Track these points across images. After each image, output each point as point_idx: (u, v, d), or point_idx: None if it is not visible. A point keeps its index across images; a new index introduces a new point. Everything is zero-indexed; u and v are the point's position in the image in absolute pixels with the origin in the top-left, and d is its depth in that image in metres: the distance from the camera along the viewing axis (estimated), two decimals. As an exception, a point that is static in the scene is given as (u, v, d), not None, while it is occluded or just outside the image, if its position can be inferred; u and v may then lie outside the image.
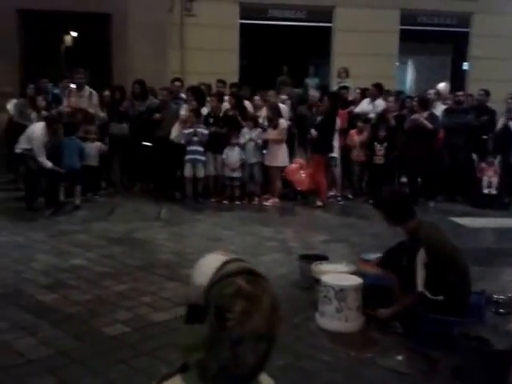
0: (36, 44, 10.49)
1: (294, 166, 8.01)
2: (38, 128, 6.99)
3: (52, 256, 5.24)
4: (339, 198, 8.38)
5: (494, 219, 7.40)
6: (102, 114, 8.34)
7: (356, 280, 3.77)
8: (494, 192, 8.31)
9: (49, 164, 6.96)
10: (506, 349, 2.91)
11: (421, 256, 3.38)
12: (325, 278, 3.77)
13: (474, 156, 8.60)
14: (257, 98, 8.64)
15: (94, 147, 8.03)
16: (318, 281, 3.89)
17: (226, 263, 1.14)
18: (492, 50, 12.17)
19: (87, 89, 8.20)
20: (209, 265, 1.14)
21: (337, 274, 3.88)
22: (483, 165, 8.41)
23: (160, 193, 8.14)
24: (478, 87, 9.64)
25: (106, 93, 8.70)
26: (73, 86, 8.38)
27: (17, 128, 7.88)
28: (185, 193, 7.96)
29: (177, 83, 8.73)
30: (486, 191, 8.31)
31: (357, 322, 3.72)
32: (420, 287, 3.39)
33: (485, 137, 8.82)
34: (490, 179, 8.33)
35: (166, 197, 7.97)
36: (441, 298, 3.39)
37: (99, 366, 3.16)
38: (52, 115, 7.65)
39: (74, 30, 11.42)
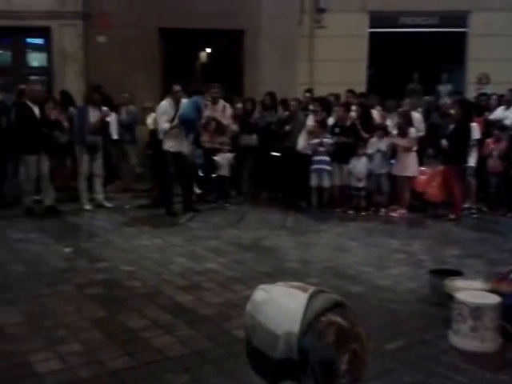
0: (175, 61, 11.28)
1: (424, 176, 7.73)
2: None
3: (188, 259, 5.60)
4: (473, 211, 7.92)
5: None
6: (235, 127, 8.74)
7: (494, 298, 3.56)
8: None
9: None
10: None
11: None
12: (459, 295, 3.60)
13: None
14: (378, 108, 8.54)
15: (226, 158, 8.46)
16: (451, 297, 3.73)
17: (310, 299, 0.99)
18: None
19: (221, 102, 8.63)
20: (291, 305, 0.97)
21: (472, 291, 3.69)
22: None
23: (286, 202, 8.32)
24: None
25: (239, 105, 9.09)
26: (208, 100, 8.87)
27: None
28: (310, 202, 8.05)
29: (307, 94, 8.88)
30: None
31: (494, 343, 3.51)
32: None
33: None
34: None
35: (291, 206, 8.13)
36: None
37: (231, 367, 3.31)
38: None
39: (209, 47, 12.10)
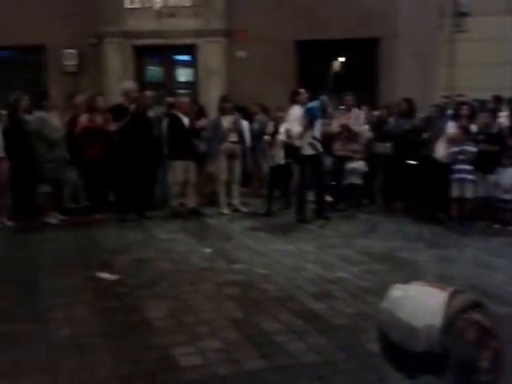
0: (310, 72, 11.46)
1: None
2: None
3: (319, 267, 5.64)
4: None
5: None
6: (369, 133, 8.63)
7: None
8: None
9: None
10: None
11: None
12: None
13: None
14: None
15: (358, 165, 8.37)
16: None
17: (450, 297, 1.01)
18: None
19: (354, 110, 8.61)
20: (431, 301, 1.00)
21: None
22: None
23: (424, 212, 7.99)
24: None
25: (375, 112, 8.98)
26: (342, 107, 8.89)
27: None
28: (450, 214, 7.64)
29: (444, 99, 8.51)
30: None
31: None
32: None
33: None
34: None
35: (429, 217, 7.79)
36: None
37: (366, 380, 3.26)
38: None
39: (345, 56, 12.08)
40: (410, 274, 5.37)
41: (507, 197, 7.32)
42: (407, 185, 8.31)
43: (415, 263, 5.78)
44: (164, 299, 4.70)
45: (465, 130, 7.42)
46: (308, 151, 7.72)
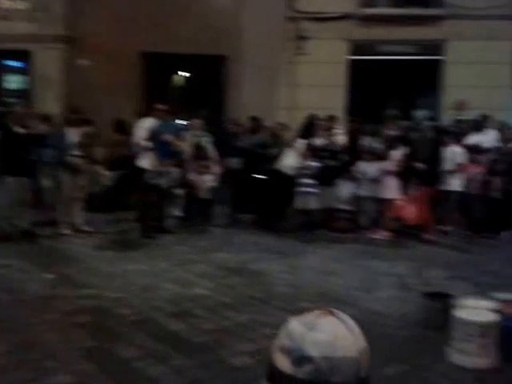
0: (156, 85, 11.28)
1: (401, 201, 7.90)
2: None
3: (176, 284, 5.48)
4: (454, 233, 8.03)
5: None
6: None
7: (495, 316, 3.67)
8: None
9: None
10: None
11: None
12: (466, 315, 3.68)
13: None
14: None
15: (206, 180, 8.43)
16: (446, 320, 3.77)
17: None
18: None
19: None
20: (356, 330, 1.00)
21: (474, 310, 3.75)
22: None
23: (271, 224, 8.30)
24: None
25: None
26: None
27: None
28: (294, 224, 8.05)
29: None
30: None
31: (497, 359, 3.63)
32: None
33: None
34: None
35: (277, 228, 8.11)
36: None
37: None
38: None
39: (192, 71, 12.14)
40: (264, 285, 5.51)
41: (345, 207, 7.94)
42: (256, 198, 8.57)
43: (269, 274, 5.95)
44: (3, 333, 4.17)
45: (310, 147, 7.91)
46: (145, 165, 7.62)
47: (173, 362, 3.73)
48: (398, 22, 11.64)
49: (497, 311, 3.69)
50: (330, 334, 0.97)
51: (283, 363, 0.99)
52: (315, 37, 11.40)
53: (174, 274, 5.89)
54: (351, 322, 0.99)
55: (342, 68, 11.80)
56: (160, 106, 7.88)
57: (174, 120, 7.98)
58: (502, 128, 9.04)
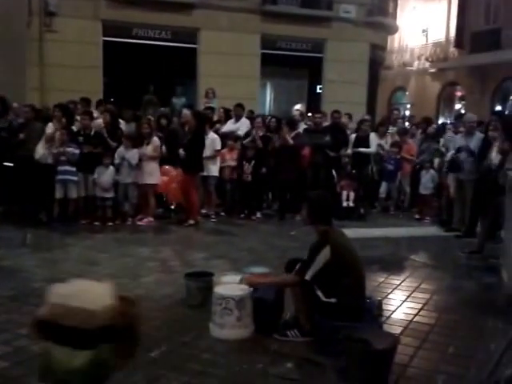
0: None
1: (166, 177, 8.06)
2: None
3: None
4: (213, 216, 8.54)
5: (354, 229, 8.05)
6: None
7: (248, 289, 3.97)
8: (351, 205, 9.09)
9: None
10: (383, 348, 3.24)
11: (325, 253, 3.63)
12: (223, 291, 3.91)
13: (334, 173, 9.33)
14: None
15: None
16: (206, 297, 4.02)
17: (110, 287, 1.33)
18: (343, 74, 13.39)
19: None
20: (99, 290, 1.27)
21: (228, 286, 4.03)
22: (343, 182, 9.18)
23: (24, 216, 7.62)
24: (330, 108, 10.53)
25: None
26: None
27: None
28: (52, 215, 7.55)
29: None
30: (344, 204, 9.06)
31: (252, 328, 3.95)
32: (308, 276, 3.64)
33: (333, 154, 9.39)
34: (348, 193, 9.11)
35: (30, 220, 7.48)
36: (333, 300, 3.65)
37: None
38: None
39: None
40: (17, 282, 5.05)
41: (106, 195, 7.74)
42: (6, 188, 7.74)
43: (24, 270, 5.46)
44: None
45: (67, 132, 7.46)
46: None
47: None
48: (153, 7, 11.72)
49: (249, 285, 4.03)
50: (74, 286, 1.21)
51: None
52: (65, 14, 10.72)
53: None
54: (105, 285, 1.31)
55: (96, 49, 11.38)
56: None
57: None
58: (251, 116, 9.93)
